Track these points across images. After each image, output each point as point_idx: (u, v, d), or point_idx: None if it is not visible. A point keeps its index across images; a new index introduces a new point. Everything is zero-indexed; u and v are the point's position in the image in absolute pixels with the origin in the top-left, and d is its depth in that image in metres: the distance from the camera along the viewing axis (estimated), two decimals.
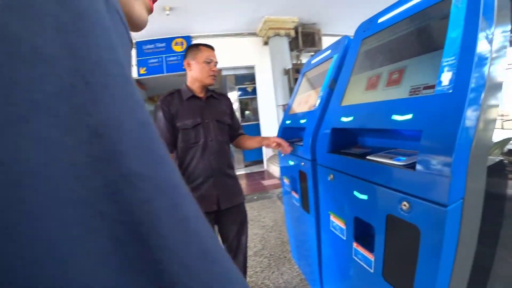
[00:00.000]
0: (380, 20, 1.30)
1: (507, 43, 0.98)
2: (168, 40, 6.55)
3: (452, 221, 0.77)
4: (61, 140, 0.17)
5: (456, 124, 0.74)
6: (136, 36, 6.16)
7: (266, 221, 3.67)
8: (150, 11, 0.47)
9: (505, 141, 1.96)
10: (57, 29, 0.18)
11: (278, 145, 1.70)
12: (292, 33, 6.59)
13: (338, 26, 6.95)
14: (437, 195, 0.77)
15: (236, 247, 1.74)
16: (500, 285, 1.37)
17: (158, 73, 6.57)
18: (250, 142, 1.86)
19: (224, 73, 7.49)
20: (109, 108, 0.19)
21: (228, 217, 1.71)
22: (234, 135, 1.88)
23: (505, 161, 1.66)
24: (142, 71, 6.50)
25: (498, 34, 0.89)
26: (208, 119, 1.65)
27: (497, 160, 1.10)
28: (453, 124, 0.75)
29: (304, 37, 6.61)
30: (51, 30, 0.18)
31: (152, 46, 6.54)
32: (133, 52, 6.36)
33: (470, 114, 0.76)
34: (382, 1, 1.37)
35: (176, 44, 6.55)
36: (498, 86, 0.92)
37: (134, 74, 6.42)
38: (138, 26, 0.45)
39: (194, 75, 1.64)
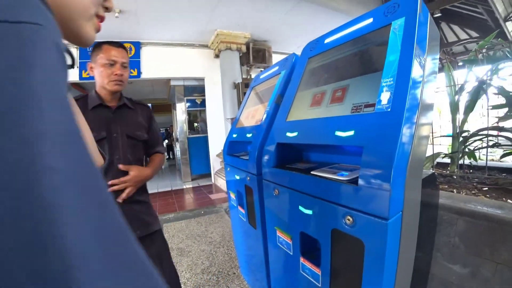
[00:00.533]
0: (326, 41, 1.35)
1: (436, 69, 1.08)
2: None
3: (393, 233, 0.80)
4: None
5: (394, 141, 0.78)
6: None
7: (214, 236, 3.57)
8: (98, 30, 0.50)
9: (435, 156, 2.16)
10: None
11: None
12: (244, 48, 6.68)
13: (288, 45, 7.23)
14: (378, 209, 0.79)
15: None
16: (437, 284, 1.48)
17: None
18: (151, 161, 1.63)
19: (173, 83, 7.31)
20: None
21: (144, 246, 1.47)
22: (152, 151, 1.63)
23: (436, 174, 1.82)
24: (85, 74, 6.05)
25: (429, 60, 0.98)
26: (117, 133, 1.41)
27: (430, 173, 1.19)
28: (391, 141, 0.78)
29: (255, 53, 6.75)
30: None
31: None
32: (76, 53, 5.91)
33: (406, 131, 0.80)
34: (329, 26, 1.43)
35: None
36: (430, 106, 1.00)
37: (76, 76, 6.00)
38: (85, 43, 0.47)
39: (97, 80, 1.41)
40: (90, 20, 0.46)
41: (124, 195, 1.36)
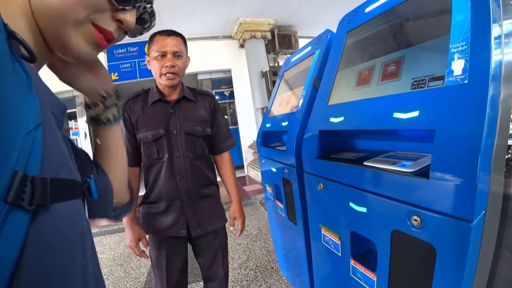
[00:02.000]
0: (367, 9, 1.17)
1: None
2: (141, 44, 6.26)
3: (475, 237, 0.64)
4: None
5: (479, 121, 0.60)
6: None
7: (250, 229, 3.50)
8: (96, 43, 0.43)
9: None
10: None
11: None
12: (268, 35, 6.50)
13: (314, 28, 6.93)
14: (457, 208, 0.63)
15: (212, 279, 1.49)
16: (502, 286, 1.28)
17: (131, 79, 6.29)
18: (225, 181, 1.57)
19: (199, 77, 7.30)
20: None
21: (203, 242, 1.44)
22: (217, 149, 1.52)
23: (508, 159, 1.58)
24: (114, 76, 6.20)
25: (505, 10, 0.77)
26: (176, 130, 1.33)
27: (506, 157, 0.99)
28: (475, 121, 0.61)
29: (281, 39, 6.54)
30: None
31: (123, 50, 6.25)
32: (104, 57, 6.04)
33: (492, 107, 0.62)
34: (356, 3, 1.24)
35: None
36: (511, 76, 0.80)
37: None
38: (77, 57, 0.41)
39: (153, 74, 1.33)
40: (78, 28, 0.39)
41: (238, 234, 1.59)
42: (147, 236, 1.40)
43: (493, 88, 0.64)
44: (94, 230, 4.07)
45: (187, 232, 1.37)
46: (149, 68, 1.34)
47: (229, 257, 2.72)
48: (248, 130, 6.96)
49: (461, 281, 0.66)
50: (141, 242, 1.39)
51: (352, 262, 1.04)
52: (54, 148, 0.33)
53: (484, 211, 0.66)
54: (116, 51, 6.18)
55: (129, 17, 0.44)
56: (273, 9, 5.80)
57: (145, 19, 0.54)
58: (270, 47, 6.70)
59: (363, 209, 0.91)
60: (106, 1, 0.40)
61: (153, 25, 0.56)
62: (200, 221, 1.39)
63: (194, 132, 1.36)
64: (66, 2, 0.36)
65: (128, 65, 6.26)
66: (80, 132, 6.59)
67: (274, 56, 6.88)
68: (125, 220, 1.36)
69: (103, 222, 4.68)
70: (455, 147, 0.63)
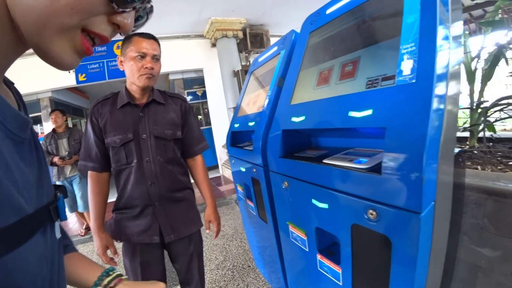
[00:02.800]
0: (328, 11, 1.20)
1: (462, 32, 0.92)
2: (109, 44, 6.01)
3: (425, 227, 0.68)
4: None
5: (425, 118, 0.64)
6: None
7: (226, 229, 3.50)
8: (81, 51, 0.38)
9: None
10: None
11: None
12: (240, 34, 6.49)
13: (286, 27, 6.99)
14: (408, 201, 0.66)
15: (188, 283, 1.47)
16: (465, 270, 1.37)
17: (99, 80, 6.03)
18: (199, 184, 1.56)
19: (171, 77, 7.18)
20: None
21: (177, 248, 1.41)
22: (190, 152, 1.50)
23: (463, 150, 1.68)
24: (81, 77, 5.93)
25: (454, 16, 0.82)
26: (146, 134, 1.30)
27: (457, 150, 1.05)
28: (421, 118, 0.65)
29: (252, 38, 6.55)
30: None
31: None
32: None
33: (437, 105, 0.66)
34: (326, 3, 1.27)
35: (118, 47, 6.01)
36: (457, 75, 0.85)
37: (73, 81, 5.87)
38: (59, 65, 0.36)
39: (127, 75, 1.29)
40: (64, 34, 0.34)
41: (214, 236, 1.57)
42: (119, 244, 1.36)
43: (438, 86, 0.68)
44: None
45: (160, 238, 1.34)
46: (121, 69, 1.31)
47: (206, 258, 2.73)
48: (221, 130, 6.91)
49: (414, 269, 0.70)
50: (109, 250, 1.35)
51: (318, 256, 1.07)
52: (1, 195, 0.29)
53: (433, 202, 0.70)
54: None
55: (128, 20, 0.40)
56: (245, 8, 5.79)
57: (141, 16, 0.48)
58: (242, 46, 6.69)
59: (325, 205, 0.94)
60: (102, 4, 0.35)
61: (149, 19, 0.50)
62: (173, 227, 1.36)
63: (164, 135, 1.34)
64: (54, 5, 0.31)
65: (96, 65, 5.99)
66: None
67: (246, 55, 6.88)
68: (92, 228, 1.32)
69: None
70: (403, 143, 0.67)
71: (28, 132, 0.38)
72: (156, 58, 1.29)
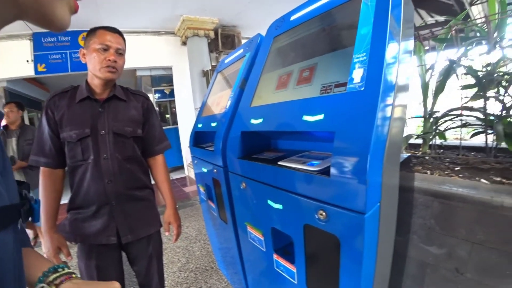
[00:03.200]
0: (292, 18, 1.24)
1: (412, 48, 0.99)
2: (74, 34, 5.63)
3: (370, 227, 0.72)
4: None
5: (370, 123, 0.68)
6: (33, 26, 5.13)
7: (190, 231, 3.44)
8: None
9: (408, 137, 2.13)
10: None
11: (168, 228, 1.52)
12: (212, 34, 6.44)
13: (258, 30, 6.94)
14: (353, 202, 0.70)
15: (148, 285, 1.43)
16: (414, 267, 1.46)
17: (61, 71, 5.63)
18: (159, 185, 1.52)
19: (139, 73, 6.96)
20: None
21: (136, 249, 1.37)
22: (150, 151, 1.46)
23: (412, 156, 1.79)
24: (41, 68, 5.48)
25: (405, 33, 0.88)
26: (104, 130, 1.25)
27: (406, 156, 1.12)
28: (366, 124, 0.68)
29: (224, 39, 6.53)
30: None
31: (53, 39, 5.52)
32: (29, 45, 5.37)
33: (383, 112, 0.71)
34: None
35: (83, 38, 5.52)
36: (406, 87, 0.91)
37: (31, 71, 5.44)
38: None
39: (89, 68, 1.25)
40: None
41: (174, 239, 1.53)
42: (73, 247, 1.30)
43: (385, 95, 0.72)
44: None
45: (118, 239, 1.28)
46: (83, 62, 1.27)
47: (168, 261, 2.68)
48: (188, 130, 6.71)
49: (361, 265, 0.74)
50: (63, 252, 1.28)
51: (275, 256, 1.09)
52: None
53: (379, 204, 0.74)
54: (44, 39, 5.46)
55: None
56: (218, 8, 5.73)
57: None
58: (213, 46, 6.64)
59: (280, 206, 0.96)
60: None
61: None
62: (131, 227, 1.31)
63: (124, 132, 1.29)
64: None
65: (58, 56, 5.58)
66: None
67: (217, 55, 6.84)
68: (43, 228, 1.24)
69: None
70: (349, 147, 0.71)
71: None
72: (120, 53, 1.25)
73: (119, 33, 1.27)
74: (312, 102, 0.88)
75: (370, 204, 0.69)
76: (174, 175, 7.13)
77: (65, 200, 1.27)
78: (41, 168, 1.26)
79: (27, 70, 5.39)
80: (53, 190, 1.27)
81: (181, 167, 7.36)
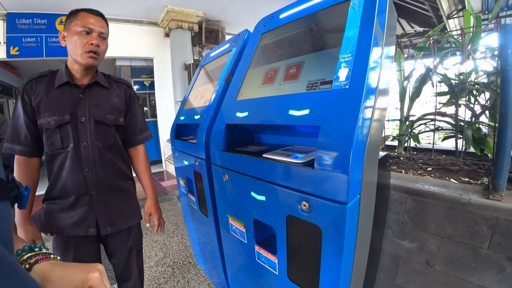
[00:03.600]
0: (281, 16, 1.26)
1: (393, 54, 1.04)
2: (51, 17, 5.31)
3: (351, 217, 0.76)
4: None
5: (354, 119, 0.71)
6: (7, 6, 4.84)
7: (167, 225, 3.40)
8: None
9: (385, 138, 2.23)
10: None
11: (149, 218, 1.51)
12: (196, 27, 6.36)
13: (243, 26, 6.92)
14: (336, 193, 0.74)
15: (126, 279, 1.41)
16: (388, 259, 1.54)
17: (35, 56, 5.31)
18: (140, 175, 1.50)
19: (118, 63, 6.79)
20: None
21: (115, 242, 1.34)
22: (131, 141, 1.43)
23: (389, 155, 1.87)
24: (13, 51, 5.13)
25: (388, 39, 0.93)
26: (85, 118, 1.21)
27: (383, 154, 1.18)
28: (350, 119, 0.72)
29: (208, 33, 6.47)
30: None
31: (29, 21, 5.17)
32: (2, 26, 5.01)
33: (365, 109, 0.75)
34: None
35: (61, 23, 5.30)
36: (386, 90, 0.96)
37: (2, 53, 5.10)
38: None
39: (69, 52, 1.19)
40: None
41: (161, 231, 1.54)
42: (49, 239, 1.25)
43: (368, 94, 0.76)
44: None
45: (96, 231, 1.25)
46: (63, 45, 1.21)
47: (145, 255, 2.64)
48: (167, 123, 6.65)
49: (341, 255, 0.77)
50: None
51: (256, 248, 1.12)
52: None
53: (359, 196, 0.78)
54: (18, 21, 5.11)
55: None
56: (204, 2, 5.65)
57: None
58: (197, 40, 6.56)
59: (263, 198, 0.99)
60: None
61: None
62: (111, 218, 1.28)
63: (105, 120, 1.26)
64: None
65: (32, 39, 5.24)
66: None
67: (200, 49, 6.78)
68: (17, 220, 1.18)
69: None
70: (334, 139, 0.74)
71: None
72: (103, 37, 1.21)
73: (102, 16, 1.23)
74: (299, 97, 0.91)
75: (351, 195, 0.73)
76: (152, 169, 6.98)
77: (40, 191, 1.23)
78: (16, 157, 1.20)
79: None
80: (27, 180, 1.21)
81: (159, 161, 7.24)
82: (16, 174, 1.20)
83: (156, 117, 7.03)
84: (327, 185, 0.76)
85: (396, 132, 2.48)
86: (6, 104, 8.16)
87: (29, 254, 0.52)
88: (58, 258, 0.54)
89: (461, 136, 1.78)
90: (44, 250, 0.55)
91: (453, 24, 5.75)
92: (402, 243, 1.51)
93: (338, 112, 0.76)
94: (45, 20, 5.33)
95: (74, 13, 1.18)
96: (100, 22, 1.20)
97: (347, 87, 0.79)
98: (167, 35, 6.46)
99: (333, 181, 0.74)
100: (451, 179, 1.53)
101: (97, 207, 1.24)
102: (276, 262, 1.02)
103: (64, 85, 1.20)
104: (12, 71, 7.97)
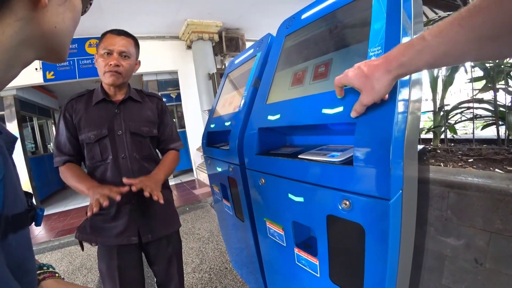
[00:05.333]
0: (303, 16, 1.27)
1: None
2: (81, 41, 5.72)
3: (395, 214, 0.74)
4: None
5: (390, 114, 0.70)
6: None
7: (202, 232, 3.47)
8: None
9: (420, 131, 2.15)
10: None
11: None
12: (216, 37, 6.50)
13: (261, 31, 7.01)
14: (378, 190, 0.72)
15: (167, 285, 1.44)
16: (432, 259, 1.46)
17: (69, 78, 5.74)
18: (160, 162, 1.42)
19: (145, 78, 7.03)
20: None
21: (156, 249, 1.39)
22: (164, 151, 1.48)
23: (426, 148, 1.80)
24: (49, 75, 5.60)
25: (415, 27, 0.90)
26: (121, 131, 1.28)
27: (421, 147, 1.13)
28: (387, 114, 0.71)
29: (228, 42, 6.58)
30: None
31: None
32: None
33: (401, 103, 0.73)
34: (301, 6, 1.34)
35: (90, 45, 5.75)
36: (419, 80, 0.93)
37: (40, 78, 5.56)
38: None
39: (98, 72, 1.28)
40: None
41: (161, 200, 1.15)
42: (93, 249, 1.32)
43: (401, 86, 0.74)
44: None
45: (138, 239, 1.30)
46: (96, 66, 1.29)
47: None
48: (195, 133, 6.83)
49: (386, 253, 0.75)
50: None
51: (296, 250, 1.11)
52: (11, 187, 0.36)
53: (401, 191, 0.76)
54: None
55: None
56: (221, 12, 5.79)
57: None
58: (218, 49, 6.70)
59: (301, 199, 0.98)
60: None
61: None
62: (151, 226, 1.33)
63: (140, 132, 1.32)
64: (70, 26, 0.46)
65: (66, 63, 5.64)
66: None
67: (222, 58, 6.90)
68: (86, 191, 1.16)
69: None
70: (371, 136, 0.73)
71: (14, 147, 0.45)
72: (125, 55, 1.27)
73: (127, 35, 1.29)
74: (331, 95, 0.89)
75: (393, 191, 0.71)
76: (183, 178, 7.18)
77: (80, 203, 1.28)
78: (62, 168, 1.27)
79: (36, 78, 5.51)
80: (78, 169, 1.28)
81: (190, 170, 7.41)
82: (67, 174, 1.25)
83: (184, 127, 7.21)
84: (368, 182, 0.74)
85: (429, 124, 2.38)
86: (46, 124, 8.69)
87: (38, 272, 0.63)
88: (63, 277, 0.66)
89: (502, 123, 1.67)
90: (51, 269, 0.66)
91: None
92: (447, 240, 1.43)
93: (374, 107, 0.75)
94: (76, 44, 5.72)
95: (102, 36, 1.27)
96: (121, 41, 1.25)
97: None
98: (189, 47, 6.64)
99: (374, 177, 0.72)
100: (496, 169, 1.44)
101: (138, 216, 1.30)
102: (317, 264, 1.01)
103: (101, 102, 1.29)
104: (49, 94, 8.51)
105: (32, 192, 0.52)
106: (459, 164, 1.71)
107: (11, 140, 0.42)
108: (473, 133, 1.90)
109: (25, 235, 0.41)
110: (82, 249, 1.29)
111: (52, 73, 5.63)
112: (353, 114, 0.77)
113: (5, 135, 0.40)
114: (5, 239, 0.35)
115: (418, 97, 0.91)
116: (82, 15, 0.51)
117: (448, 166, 1.68)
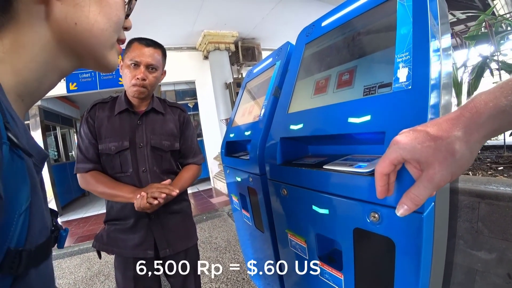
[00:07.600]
0: (324, 24, 1.25)
1: (450, 45, 0.97)
2: None
3: (427, 227, 0.70)
4: None
5: (423, 121, 0.66)
6: None
7: (219, 241, 3.46)
8: (120, 53, 0.51)
9: None
10: None
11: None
12: (232, 47, 6.59)
13: (277, 41, 7.12)
14: None
15: None
16: (462, 273, 1.39)
17: (90, 89, 5.97)
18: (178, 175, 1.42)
19: (163, 88, 7.19)
20: None
21: (173, 262, 1.37)
22: (184, 165, 1.47)
23: None
24: (72, 86, 5.84)
25: (443, 29, 0.87)
26: (142, 143, 1.26)
27: None
28: (420, 122, 0.67)
29: (244, 51, 6.66)
30: None
31: None
32: None
33: (433, 109, 0.69)
34: (317, 16, 1.32)
35: None
36: (449, 85, 0.89)
37: (63, 89, 5.79)
38: (111, 70, 0.49)
39: (123, 82, 1.27)
40: (113, 48, 0.47)
41: (163, 201, 1.14)
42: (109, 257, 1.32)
43: (433, 92, 0.71)
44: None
45: (155, 252, 1.29)
46: (121, 74, 1.28)
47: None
48: (213, 142, 6.90)
49: (419, 268, 0.71)
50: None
51: (319, 263, 1.07)
52: (37, 215, 0.35)
53: (433, 203, 0.72)
54: None
55: (130, 22, 0.52)
56: (237, 22, 5.90)
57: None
58: (234, 59, 6.79)
59: (326, 211, 0.95)
60: (123, 18, 0.47)
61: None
62: (169, 241, 1.32)
63: (161, 146, 1.31)
64: (100, 24, 0.42)
65: (87, 75, 5.92)
66: None
67: (238, 68, 6.98)
68: (127, 197, 1.17)
69: None
70: None
71: (44, 164, 0.43)
72: (152, 68, 1.24)
73: (156, 45, 1.26)
74: (358, 103, 0.87)
75: (427, 203, 0.67)
76: (201, 187, 7.21)
77: (99, 210, 1.29)
78: (86, 176, 1.24)
79: (60, 89, 5.75)
80: (107, 177, 1.26)
81: (207, 179, 7.45)
82: (95, 183, 1.22)
83: (201, 136, 7.28)
84: (398, 193, 0.70)
85: None
86: (68, 133, 9.03)
87: None
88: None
89: None
90: None
91: (499, 6, 5.28)
92: (478, 254, 1.35)
93: (403, 115, 0.72)
94: None
95: (129, 44, 1.24)
96: (148, 52, 1.22)
97: (410, 87, 0.74)
98: (206, 57, 6.76)
99: (405, 188, 0.68)
100: None
101: (156, 229, 1.28)
102: (342, 278, 0.97)
103: (123, 112, 1.28)
104: (71, 104, 8.86)
105: (57, 210, 0.51)
106: (489, 172, 1.63)
107: (42, 157, 0.40)
108: (504, 139, 1.82)
109: (47, 265, 0.39)
110: (100, 257, 1.30)
111: (75, 84, 5.86)
112: (403, 212, 0.55)
113: (37, 153, 0.38)
114: (26, 276, 0.33)
115: (448, 103, 0.87)
116: (127, 12, 0.49)
117: (478, 174, 1.61)
